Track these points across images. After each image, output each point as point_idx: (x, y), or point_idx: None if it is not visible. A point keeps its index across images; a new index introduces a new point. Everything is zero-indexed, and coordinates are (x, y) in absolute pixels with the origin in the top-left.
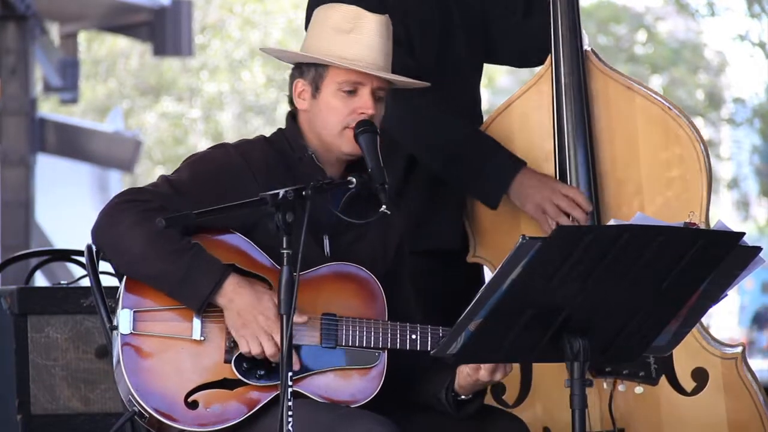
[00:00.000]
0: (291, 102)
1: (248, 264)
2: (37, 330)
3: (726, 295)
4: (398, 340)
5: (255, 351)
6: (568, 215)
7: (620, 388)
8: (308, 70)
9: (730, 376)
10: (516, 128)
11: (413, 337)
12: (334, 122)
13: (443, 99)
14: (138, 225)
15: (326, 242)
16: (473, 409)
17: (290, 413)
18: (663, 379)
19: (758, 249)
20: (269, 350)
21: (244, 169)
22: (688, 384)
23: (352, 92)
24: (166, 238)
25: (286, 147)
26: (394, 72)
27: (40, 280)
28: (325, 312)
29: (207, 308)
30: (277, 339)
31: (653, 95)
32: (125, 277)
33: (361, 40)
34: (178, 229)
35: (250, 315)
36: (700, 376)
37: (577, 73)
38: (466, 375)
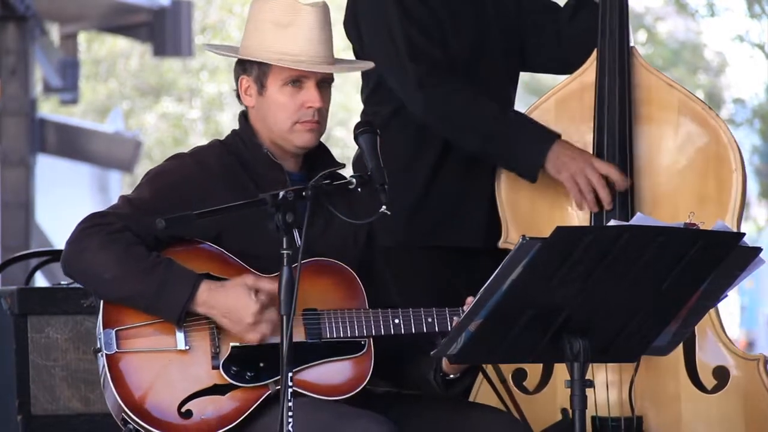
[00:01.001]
0: (238, 97)
1: (222, 270)
2: (37, 330)
3: (726, 295)
4: (381, 326)
5: (258, 340)
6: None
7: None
8: (251, 67)
9: (751, 378)
10: (556, 118)
11: (396, 321)
12: (283, 118)
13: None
14: (104, 249)
15: (296, 234)
16: (461, 388)
17: (290, 413)
18: (684, 375)
19: (758, 249)
20: (254, 337)
21: (202, 176)
22: (709, 382)
23: (297, 85)
24: (134, 258)
25: (241, 147)
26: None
27: (40, 280)
28: (306, 308)
29: (187, 317)
30: (268, 316)
31: (693, 94)
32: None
33: (301, 34)
34: (165, 235)
35: (235, 312)
36: (722, 375)
37: (622, 66)
38: None
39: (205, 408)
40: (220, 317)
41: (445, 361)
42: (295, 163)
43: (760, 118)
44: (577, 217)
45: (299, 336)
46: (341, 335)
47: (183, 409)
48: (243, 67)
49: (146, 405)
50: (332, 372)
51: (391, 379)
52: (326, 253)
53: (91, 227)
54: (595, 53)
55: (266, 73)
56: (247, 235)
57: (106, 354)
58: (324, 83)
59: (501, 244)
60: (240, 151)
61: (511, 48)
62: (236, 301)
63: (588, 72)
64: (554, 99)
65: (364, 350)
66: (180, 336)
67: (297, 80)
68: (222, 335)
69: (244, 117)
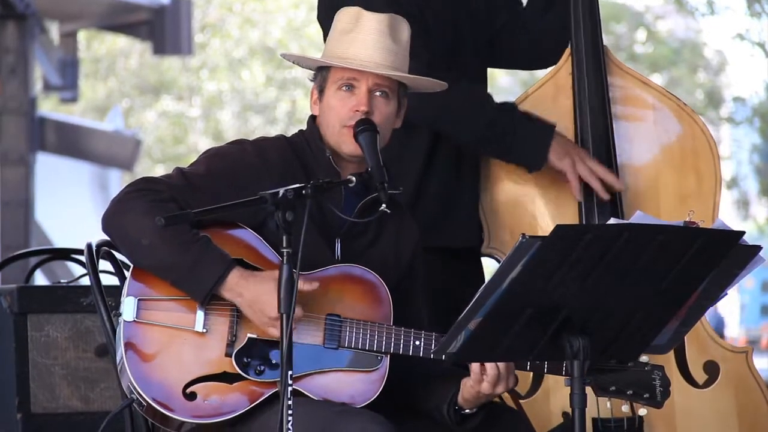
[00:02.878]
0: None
1: (256, 259)
2: (36, 329)
3: (726, 294)
4: (401, 345)
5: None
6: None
7: (623, 408)
8: (317, 75)
9: (740, 370)
10: None
11: (417, 343)
12: (334, 121)
13: None
14: (147, 215)
15: (338, 246)
16: (475, 423)
17: (290, 412)
18: (676, 371)
19: (758, 248)
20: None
21: (259, 167)
22: (700, 376)
23: (350, 91)
24: (174, 229)
25: (305, 148)
26: (416, 75)
27: (40, 279)
28: (330, 312)
29: (212, 301)
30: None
31: (667, 91)
32: (132, 266)
33: (358, 39)
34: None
35: (261, 304)
36: (712, 369)
37: (597, 64)
38: (469, 387)
39: (210, 393)
40: (245, 306)
41: (461, 396)
42: (354, 173)
43: (759, 117)
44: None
45: (317, 340)
46: (359, 346)
47: (188, 391)
48: (314, 76)
49: (152, 378)
50: (341, 383)
51: (399, 401)
52: (367, 266)
53: (139, 191)
54: (567, 52)
55: (325, 78)
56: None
57: (124, 321)
58: (379, 92)
59: (483, 249)
60: (303, 152)
61: (481, 48)
62: (265, 294)
63: (561, 72)
64: (529, 101)
65: (378, 368)
66: (200, 317)
67: (350, 85)
68: (241, 324)
69: (312, 120)
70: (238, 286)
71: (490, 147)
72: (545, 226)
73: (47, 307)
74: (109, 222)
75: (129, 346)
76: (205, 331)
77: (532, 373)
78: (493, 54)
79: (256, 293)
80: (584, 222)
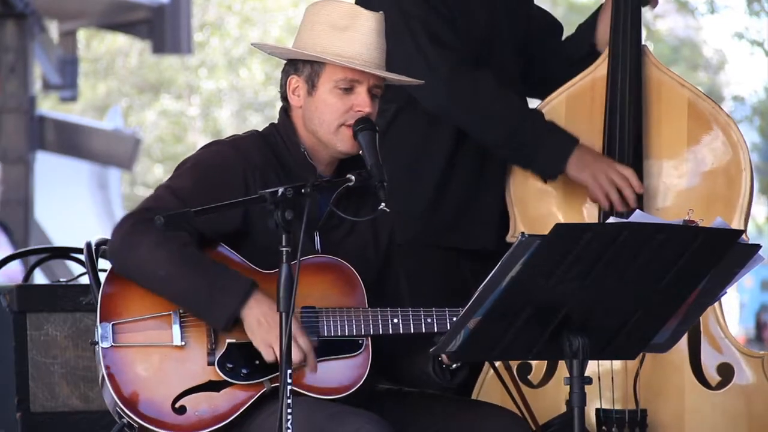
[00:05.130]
0: (284, 98)
1: (249, 274)
2: (36, 328)
3: (725, 292)
4: (380, 325)
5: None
6: (619, 193)
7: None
8: (304, 67)
9: (755, 375)
10: (566, 116)
11: (395, 321)
12: (330, 120)
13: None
14: (159, 246)
15: (317, 238)
16: (466, 374)
17: (290, 411)
18: (689, 371)
19: (757, 247)
20: (296, 356)
21: (242, 166)
22: (713, 378)
23: (348, 90)
24: (189, 257)
25: (279, 142)
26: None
27: (39, 277)
28: (305, 305)
29: (182, 313)
30: (300, 342)
31: (703, 93)
32: (100, 290)
33: (358, 38)
34: (179, 230)
35: (272, 320)
36: (726, 371)
37: (635, 63)
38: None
39: (200, 404)
40: (254, 320)
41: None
42: (329, 167)
43: (759, 116)
44: (587, 215)
45: None
46: (339, 333)
47: (177, 405)
48: (294, 66)
49: (140, 399)
50: (328, 371)
51: (386, 376)
52: (347, 256)
53: (142, 223)
54: (607, 50)
55: (319, 73)
56: (272, 232)
57: (102, 347)
58: (374, 93)
59: (508, 238)
60: (276, 146)
61: (520, 47)
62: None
63: (600, 69)
64: (565, 96)
65: (362, 350)
66: (176, 331)
67: (349, 87)
68: (219, 331)
69: (285, 113)
70: (255, 303)
71: (511, 152)
72: (569, 219)
73: (47, 306)
74: (120, 261)
75: (111, 371)
76: (183, 344)
77: (546, 363)
78: (529, 66)
79: (269, 308)
80: (604, 218)
